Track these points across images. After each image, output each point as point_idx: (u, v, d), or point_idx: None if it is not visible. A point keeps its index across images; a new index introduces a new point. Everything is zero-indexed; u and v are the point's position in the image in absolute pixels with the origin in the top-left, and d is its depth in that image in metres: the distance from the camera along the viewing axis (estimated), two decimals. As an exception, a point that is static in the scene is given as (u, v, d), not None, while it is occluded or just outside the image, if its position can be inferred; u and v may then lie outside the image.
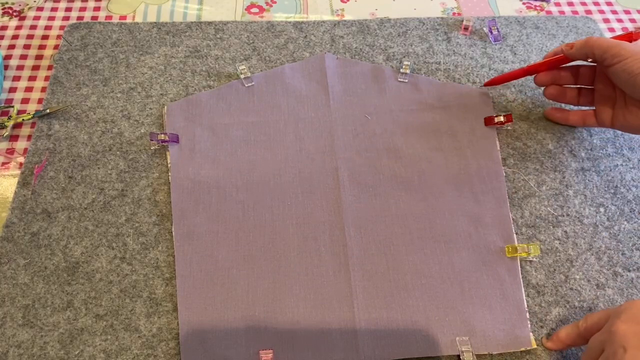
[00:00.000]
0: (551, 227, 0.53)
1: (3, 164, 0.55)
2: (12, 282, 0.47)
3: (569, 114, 0.58)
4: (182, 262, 0.49)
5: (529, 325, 0.47)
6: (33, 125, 0.58)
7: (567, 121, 0.59)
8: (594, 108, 0.56)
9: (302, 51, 0.65)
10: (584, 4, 0.73)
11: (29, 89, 0.61)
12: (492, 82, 0.61)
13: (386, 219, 0.52)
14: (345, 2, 0.72)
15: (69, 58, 0.62)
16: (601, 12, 0.72)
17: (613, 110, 0.53)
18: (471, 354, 0.45)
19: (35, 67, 0.63)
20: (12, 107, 0.58)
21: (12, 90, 0.61)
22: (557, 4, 0.73)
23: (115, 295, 0.47)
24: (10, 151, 0.56)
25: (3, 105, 0.59)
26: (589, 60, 0.52)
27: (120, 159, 0.55)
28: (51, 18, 0.68)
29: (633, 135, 0.60)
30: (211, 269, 0.49)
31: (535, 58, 0.66)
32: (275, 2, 0.71)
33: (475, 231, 0.52)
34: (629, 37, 0.51)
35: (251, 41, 0.65)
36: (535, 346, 0.46)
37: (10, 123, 0.57)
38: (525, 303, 0.48)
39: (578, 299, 0.49)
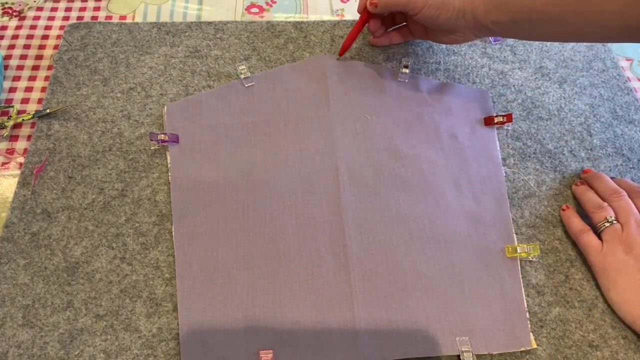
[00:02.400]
0: (551, 227, 0.53)
1: (3, 164, 0.55)
2: (12, 282, 0.47)
3: (391, 35, 0.65)
4: (182, 262, 0.49)
5: (529, 325, 0.47)
6: (33, 125, 0.58)
7: (391, 41, 0.65)
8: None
9: (302, 51, 0.65)
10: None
11: (28, 89, 0.61)
12: (342, 50, 0.63)
13: (386, 219, 0.52)
14: (345, 2, 0.72)
15: (69, 58, 0.62)
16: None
17: (427, 35, 0.62)
18: (471, 354, 0.45)
19: (35, 67, 0.63)
20: (12, 107, 0.58)
21: (12, 90, 0.61)
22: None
23: (115, 295, 0.47)
24: (10, 151, 0.56)
25: (3, 105, 0.59)
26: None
27: (120, 159, 0.55)
28: (51, 18, 0.68)
29: (633, 135, 0.60)
30: (211, 269, 0.49)
31: (535, 58, 0.66)
32: (275, 2, 0.71)
33: (475, 231, 0.52)
34: None
35: (251, 41, 0.65)
36: (535, 346, 0.46)
37: (10, 123, 0.57)
38: (525, 303, 0.48)
39: (578, 299, 0.49)
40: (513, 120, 0.60)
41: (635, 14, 0.45)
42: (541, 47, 0.67)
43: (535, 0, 0.49)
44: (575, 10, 0.48)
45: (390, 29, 0.65)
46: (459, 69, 0.64)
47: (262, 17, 0.69)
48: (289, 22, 0.68)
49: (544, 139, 0.59)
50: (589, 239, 0.50)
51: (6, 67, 0.62)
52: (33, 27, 0.67)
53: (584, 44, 0.68)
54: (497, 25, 0.53)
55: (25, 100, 0.60)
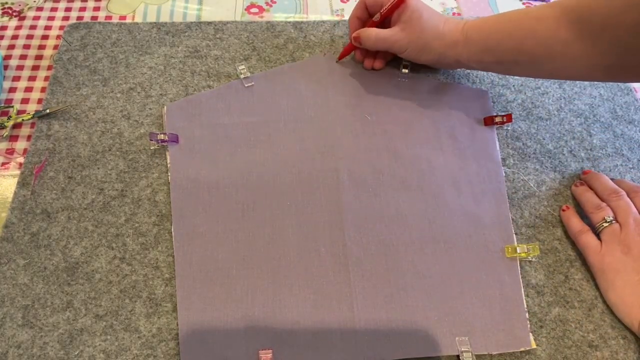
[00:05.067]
0: (551, 227, 0.53)
1: (3, 164, 0.55)
2: (12, 282, 0.47)
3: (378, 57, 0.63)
4: (182, 262, 0.49)
5: (529, 326, 0.47)
6: (33, 125, 0.58)
7: (383, 62, 0.63)
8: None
9: (302, 51, 0.65)
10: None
11: (28, 89, 0.61)
12: (341, 56, 0.64)
13: (386, 219, 0.52)
14: (345, 2, 0.72)
15: (69, 58, 0.62)
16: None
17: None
18: (470, 354, 0.45)
19: (35, 67, 0.63)
20: (12, 107, 0.58)
21: (12, 90, 0.61)
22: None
23: (115, 295, 0.47)
24: (10, 151, 0.56)
25: (3, 105, 0.59)
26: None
27: (120, 159, 0.55)
28: (51, 18, 0.68)
29: (633, 136, 0.60)
30: (211, 269, 0.49)
31: (535, 58, 0.66)
32: (275, 2, 0.71)
33: (475, 231, 0.52)
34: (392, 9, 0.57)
35: (251, 41, 0.65)
36: (534, 346, 0.46)
37: (10, 123, 0.57)
38: (525, 303, 0.48)
39: (578, 299, 0.49)
40: (513, 120, 0.60)
41: (615, 57, 0.46)
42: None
43: (522, 44, 0.51)
44: (562, 51, 0.49)
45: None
46: (459, 69, 0.64)
47: (262, 17, 0.69)
48: (289, 22, 0.68)
49: (544, 139, 0.59)
50: (588, 240, 0.50)
51: (6, 67, 0.62)
52: (33, 27, 0.67)
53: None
54: (481, 64, 0.56)
55: (25, 101, 0.60)
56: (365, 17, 0.60)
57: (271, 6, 0.71)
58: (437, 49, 0.56)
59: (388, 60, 0.63)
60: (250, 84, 0.61)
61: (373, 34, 0.57)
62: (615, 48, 0.46)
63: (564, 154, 0.58)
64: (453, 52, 0.55)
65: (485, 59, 0.54)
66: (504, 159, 0.57)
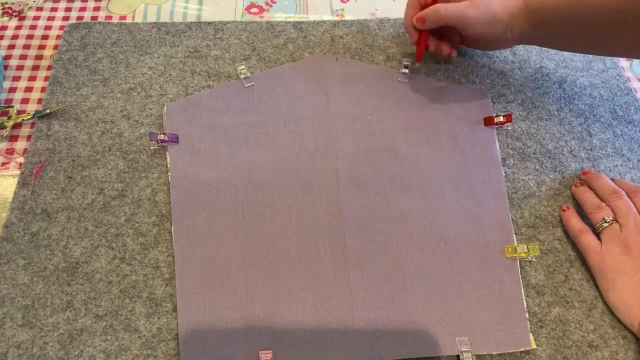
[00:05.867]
0: (551, 227, 0.53)
1: (3, 164, 0.55)
2: (12, 282, 0.47)
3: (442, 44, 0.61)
4: (182, 262, 0.49)
5: (529, 326, 0.47)
6: (33, 125, 0.58)
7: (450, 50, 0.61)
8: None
9: (302, 51, 0.65)
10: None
11: (28, 89, 0.61)
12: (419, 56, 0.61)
13: (386, 219, 0.52)
14: (345, 2, 0.72)
15: (69, 58, 0.62)
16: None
17: (463, 41, 0.62)
18: (470, 354, 0.45)
19: (35, 67, 0.63)
20: (12, 107, 0.58)
21: (12, 90, 0.61)
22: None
23: (115, 295, 0.47)
24: (10, 151, 0.56)
25: (3, 105, 0.59)
26: None
27: (120, 159, 0.55)
28: (51, 18, 0.68)
29: (633, 136, 0.60)
30: (211, 269, 0.49)
31: (535, 58, 0.66)
32: (275, 2, 0.71)
33: (475, 231, 0.52)
34: None
35: (251, 41, 0.65)
36: (534, 346, 0.46)
37: (10, 123, 0.57)
38: (525, 303, 0.48)
39: (578, 299, 0.49)
40: (513, 120, 0.60)
41: None
42: (541, 47, 0.67)
43: (582, 17, 0.50)
44: (622, 27, 0.49)
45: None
46: (459, 69, 0.64)
47: (262, 17, 0.69)
48: (289, 22, 0.68)
49: (544, 139, 0.59)
50: (587, 240, 0.50)
51: (6, 67, 0.62)
52: (33, 27, 0.67)
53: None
54: (542, 39, 0.56)
55: (25, 101, 0.60)
56: (421, 3, 0.59)
57: (271, 6, 0.71)
58: (504, 20, 0.55)
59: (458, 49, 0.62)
60: (250, 84, 0.61)
61: (440, 8, 0.55)
62: None
63: (564, 154, 0.58)
64: (517, 22, 0.55)
65: (546, 30, 0.54)
66: (504, 159, 0.57)
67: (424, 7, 0.58)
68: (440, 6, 0.55)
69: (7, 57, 0.64)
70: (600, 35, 0.51)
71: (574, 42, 0.55)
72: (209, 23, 0.67)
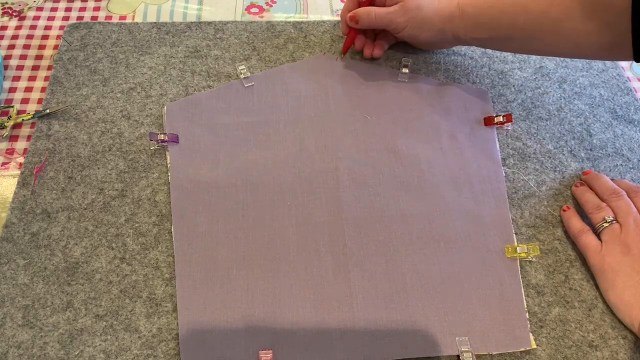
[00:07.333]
0: (551, 227, 0.53)
1: (3, 164, 0.55)
2: (12, 282, 0.47)
3: (378, 44, 0.63)
4: (182, 262, 0.49)
5: (529, 326, 0.47)
6: (33, 125, 0.58)
7: (381, 50, 0.63)
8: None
9: (302, 51, 0.65)
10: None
11: (28, 89, 0.61)
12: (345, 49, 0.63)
13: (386, 219, 0.52)
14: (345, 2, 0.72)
15: (69, 58, 0.62)
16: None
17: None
18: (470, 354, 0.45)
19: (35, 67, 0.63)
20: (12, 107, 0.58)
21: (12, 90, 0.61)
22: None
23: (115, 295, 0.47)
24: (10, 151, 0.56)
25: (3, 105, 0.59)
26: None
27: (120, 159, 0.55)
28: (51, 18, 0.68)
29: (633, 136, 0.60)
30: (211, 269, 0.49)
31: (535, 58, 0.66)
32: (275, 2, 0.71)
33: (475, 231, 0.52)
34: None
35: (251, 41, 0.65)
36: (535, 346, 0.46)
37: (10, 123, 0.57)
38: (525, 303, 0.48)
39: (578, 299, 0.49)
40: (513, 120, 0.60)
41: (606, 36, 0.48)
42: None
43: (516, 20, 0.52)
44: (552, 30, 0.50)
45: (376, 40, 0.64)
46: (459, 69, 0.64)
47: (262, 17, 0.69)
48: (289, 22, 0.68)
49: (544, 139, 0.59)
50: (588, 240, 0.50)
51: (6, 67, 0.62)
52: (33, 27, 0.67)
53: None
54: (477, 40, 0.57)
55: (25, 101, 0.60)
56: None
57: (271, 6, 0.71)
58: (436, 24, 0.56)
59: (386, 49, 0.63)
60: (250, 84, 0.61)
61: (372, 12, 0.57)
62: (605, 29, 0.47)
63: (564, 154, 0.58)
64: (450, 26, 0.56)
65: (480, 34, 0.55)
66: (504, 159, 0.57)
67: (361, 4, 0.60)
68: (372, 9, 0.58)
69: (7, 57, 0.64)
70: (533, 38, 0.52)
71: (509, 44, 0.57)
72: (209, 23, 0.67)
